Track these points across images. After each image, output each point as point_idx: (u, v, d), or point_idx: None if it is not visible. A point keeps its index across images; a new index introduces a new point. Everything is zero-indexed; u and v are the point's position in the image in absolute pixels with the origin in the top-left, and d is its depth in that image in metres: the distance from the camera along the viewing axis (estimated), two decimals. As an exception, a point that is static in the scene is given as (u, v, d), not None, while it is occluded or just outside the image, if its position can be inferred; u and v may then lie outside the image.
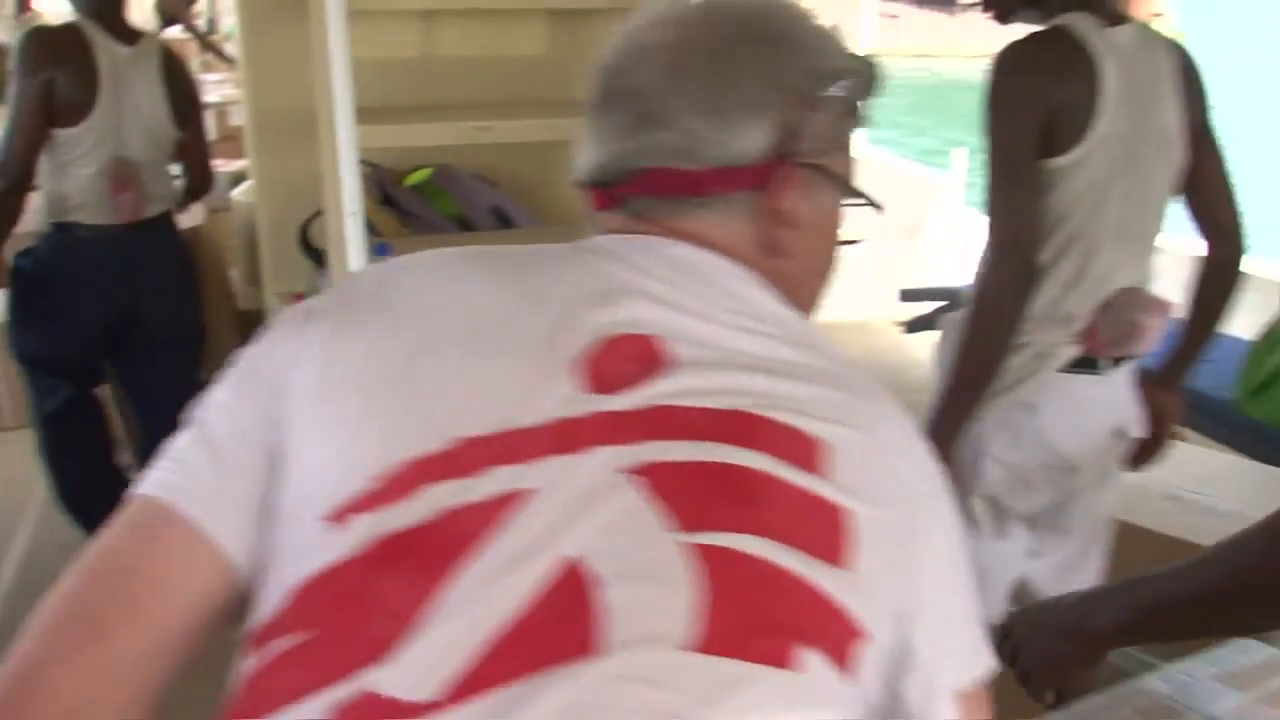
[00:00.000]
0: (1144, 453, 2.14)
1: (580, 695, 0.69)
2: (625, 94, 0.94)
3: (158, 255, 2.95)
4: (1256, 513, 2.43)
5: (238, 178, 4.86)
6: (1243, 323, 2.95)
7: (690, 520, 0.76)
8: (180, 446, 0.83)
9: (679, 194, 0.93)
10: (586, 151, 0.97)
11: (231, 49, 8.58)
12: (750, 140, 0.92)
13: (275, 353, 0.84)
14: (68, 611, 0.78)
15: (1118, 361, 1.97)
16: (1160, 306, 1.95)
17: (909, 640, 0.82)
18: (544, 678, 0.69)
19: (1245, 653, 1.89)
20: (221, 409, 0.83)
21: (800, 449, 0.80)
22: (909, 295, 4.91)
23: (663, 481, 0.77)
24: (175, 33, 8.77)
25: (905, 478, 0.85)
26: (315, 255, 2.65)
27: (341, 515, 0.76)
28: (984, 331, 1.93)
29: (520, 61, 2.85)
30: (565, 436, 0.79)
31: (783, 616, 0.75)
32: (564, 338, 0.83)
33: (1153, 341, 1.96)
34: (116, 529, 0.81)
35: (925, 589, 0.83)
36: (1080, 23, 1.84)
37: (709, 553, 0.74)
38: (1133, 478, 2.21)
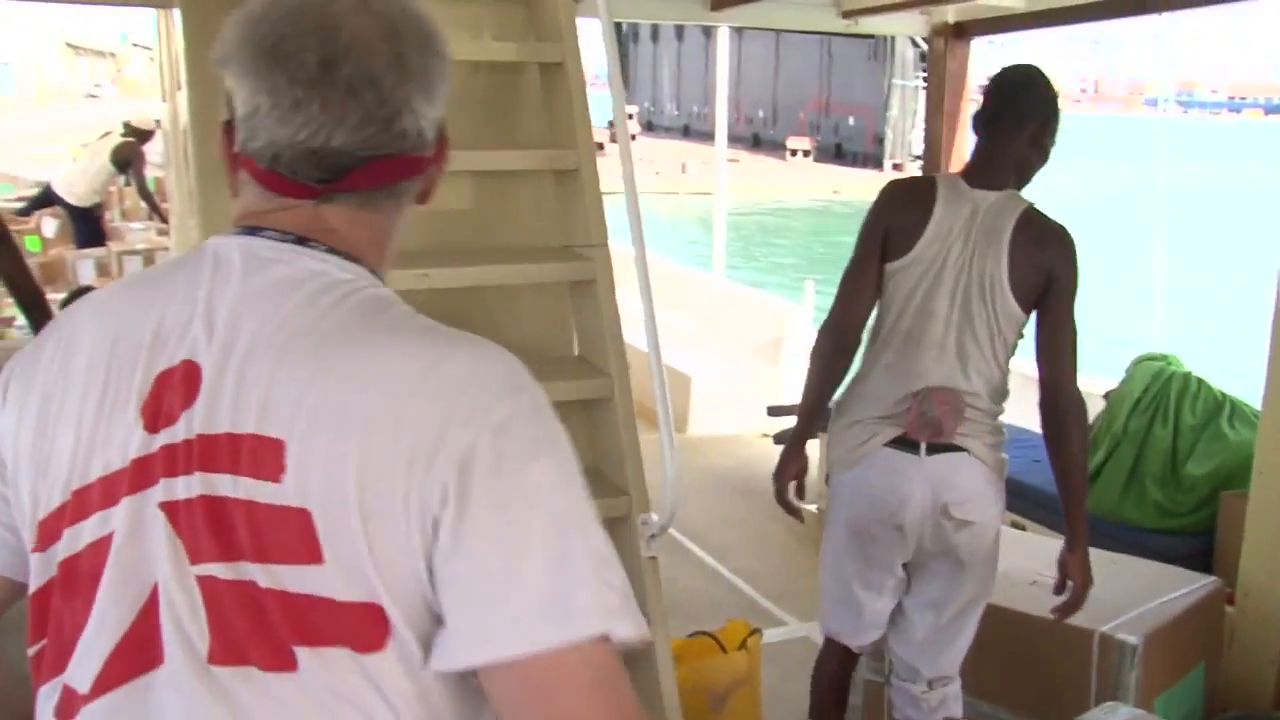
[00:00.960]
0: (1068, 604, 2.50)
1: (158, 698, 0.90)
2: (360, 82, 0.94)
3: None
4: (1100, 591, 2.80)
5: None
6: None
7: (193, 553, 0.91)
8: None
9: (399, 180, 1.02)
10: (274, 126, 0.95)
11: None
12: (428, 126, 1.01)
13: None
14: None
15: (935, 449, 2.36)
16: (956, 407, 2.34)
17: (439, 610, 0.90)
18: (140, 681, 0.91)
19: (1114, 713, 2.20)
20: None
21: (267, 459, 0.89)
22: (775, 411, 5.25)
23: (177, 517, 0.91)
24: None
25: (389, 445, 0.89)
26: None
27: (34, 550, 0.98)
28: (812, 374, 2.51)
29: (449, 215, 3.04)
30: (139, 475, 0.93)
31: (273, 625, 0.89)
32: (138, 378, 0.95)
33: (949, 433, 2.35)
34: None
35: (452, 560, 0.89)
36: (948, 178, 2.36)
37: (205, 582, 0.90)
38: (1000, 568, 2.54)
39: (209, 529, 0.90)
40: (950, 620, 2.46)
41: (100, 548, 0.93)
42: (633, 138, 33.44)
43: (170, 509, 0.91)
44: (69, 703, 0.94)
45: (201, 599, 0.90)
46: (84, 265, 6.79)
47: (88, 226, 8.20)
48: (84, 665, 0.93)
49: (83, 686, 0.93)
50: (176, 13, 3.17)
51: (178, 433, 0.92)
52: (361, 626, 0.89)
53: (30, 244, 8.11)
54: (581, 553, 0.90)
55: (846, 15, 5.11)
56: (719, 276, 8.14)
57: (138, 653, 0.91)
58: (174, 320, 0.95)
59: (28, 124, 24.13)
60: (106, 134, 8.80)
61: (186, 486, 0.91)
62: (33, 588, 0.97)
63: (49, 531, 0.96)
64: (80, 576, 0.94)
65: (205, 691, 0.89)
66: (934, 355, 2.34)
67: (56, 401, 0.97)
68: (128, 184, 8.89)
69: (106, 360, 0.96)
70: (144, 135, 8.87)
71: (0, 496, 1.01)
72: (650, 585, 2.65)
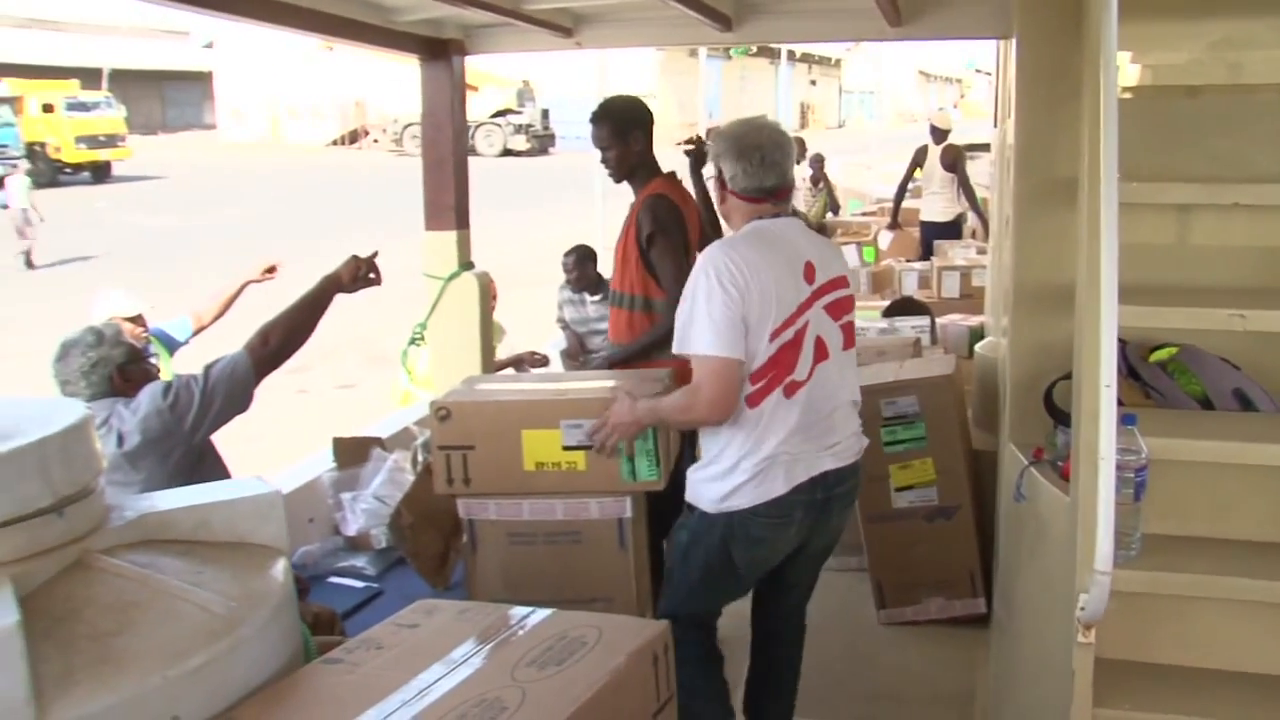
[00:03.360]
0: None
1: (830, 369, 2.81)
2: (776, 161, 2.78)
3: None
4: None
5: (977, 333, 5.15)
6: None
7: (834, 317, 2.83)
8: (718, 327, 2.62)
9: (788, 196, 2.95)
10: (751, 180, 2.79)
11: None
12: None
13: (735, 291, 2.63)
14: (727, 384, 2.67)
15: None
16: None
17: None
18: (821, 364, 2.79)
19: None
20: (723, 312, 2.63)
21: (843, 283, 2.87)
22: None
23: (830, 307, 2.81)
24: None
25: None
26: (1057, 414, 2.78)
27: (771, 338, 2.67)
28: None
29: (1271, 253, 2.82)
30: (812, 299, 2.76)
31: (851, 334, 2.91)
32: (797, 268, 2.74)
33: None
34: (722, 368, 2.65)
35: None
36: None
37: (844, 326, 2.87)
38: None
39: (837, 309, 2.82)
40: None
41: (804, 329, 2.71)
42: None
43: (827, 308, 2.77)
44: (793, 385, 2.70)
45: (839, 331, 2.82)
46: (909, 276, 7.34)
47: (928, 243, 8.94)
48: (802, 368, 2.70)
49: (802, 376, 2.71)
50: (1014, 42, 3.27)
51: (818, 281, 2.76)
52: (853, 332, 2.92)
53: (866, 254, 8.95)
54: None
55: None
56: None
57: (820, 356, 2.75)
58: (793, 249, 2.75)
59: (880, 145, 26.42)
60: (921, 146, 9.38)
61: (827, 299, 2.79)
62: (771, 354, 2.67)
63: (781, 329, 2.66)
64: (798, 341, 2.69)
65: (844, 360, 2.85)
66: None
67: (774, 283, 2.65)
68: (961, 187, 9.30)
69: (789, 265, 2.71)
70: (940, 134, 9.26)
71: (746, 325, 2.66)
72: None
